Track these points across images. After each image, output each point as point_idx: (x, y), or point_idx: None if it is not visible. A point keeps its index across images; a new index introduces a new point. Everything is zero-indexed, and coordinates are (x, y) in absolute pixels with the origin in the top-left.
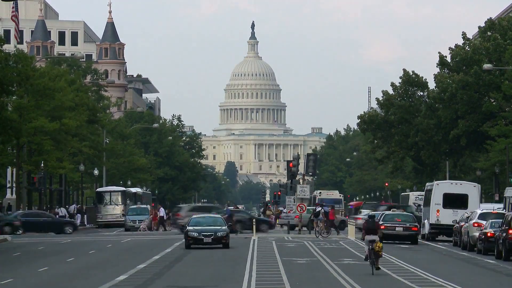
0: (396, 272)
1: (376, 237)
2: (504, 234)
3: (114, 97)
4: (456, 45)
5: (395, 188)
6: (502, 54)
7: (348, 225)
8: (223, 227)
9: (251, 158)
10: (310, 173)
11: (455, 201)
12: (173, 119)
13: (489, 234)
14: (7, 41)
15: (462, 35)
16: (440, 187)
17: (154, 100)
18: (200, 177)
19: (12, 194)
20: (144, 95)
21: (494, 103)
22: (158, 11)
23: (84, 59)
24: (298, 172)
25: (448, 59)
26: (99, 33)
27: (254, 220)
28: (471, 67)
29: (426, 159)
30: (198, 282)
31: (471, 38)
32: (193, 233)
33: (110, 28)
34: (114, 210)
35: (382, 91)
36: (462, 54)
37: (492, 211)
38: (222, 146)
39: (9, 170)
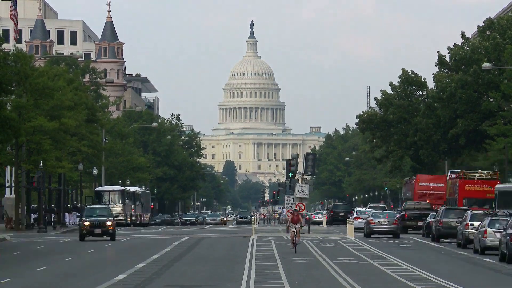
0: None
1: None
2: None
3: (113, 96)
4: (455, 45)
5: (394, 187)
6: (501, 53)
7: (347, 224)
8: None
9: (250, 157)
10: (309, 173)
11: None
12: (172, 118)
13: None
14: (6, 40)
15: (461, 34)
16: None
17: (153, 99)
18: (199, 176)
19: (11, 193)
20: (143, 95)
21: (493, 102)
22: (157, 10)
23: (83, 58)
24: (297, 172)
25: (447, 58)
26: (98, 33)
27: None
28: (470, 66)
29: (425, 159)
30: (197, 281)
31: (470, 37)
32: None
33: (109, 27)
34: (113, 209)
35: (381, 90)
36: (461, 54)
37: None
38: (221, 145)
39: (8, 169)
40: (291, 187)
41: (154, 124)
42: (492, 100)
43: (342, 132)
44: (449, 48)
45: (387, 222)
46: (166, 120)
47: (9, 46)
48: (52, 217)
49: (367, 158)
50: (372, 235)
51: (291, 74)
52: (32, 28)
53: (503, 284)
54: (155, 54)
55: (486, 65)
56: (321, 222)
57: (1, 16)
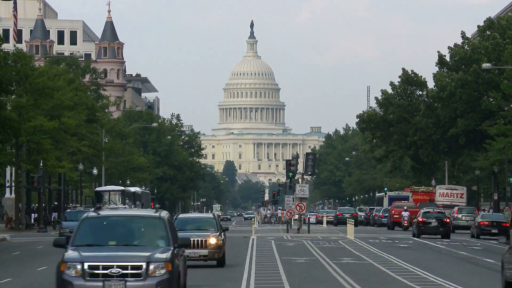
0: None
1: None
2: None
3: (113, 96)
4: (455, 44)
5: (394, 187)
6: (501, 53)
7: (347, 224)
8: None
9: (250, 157)
10: (309, 173)
11: None
12: (172, 118)
13: None
14: (6, 40)
15: (461, 34)
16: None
17: (153, 100)
18: (199, 176)
19: (11, 193)
20: (143, 95)
21: (493, 102)
22: (157, 10)
23: (83, 58)
24: (297, 172)
25: (447, 58)
26: (98, 33)
27: None
28: (470, 66)
29: (425, 158)
30: (197, 281)
31: (470, 37)
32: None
33: (109, 27)
34: None
35: (381, 90)
36: (461, 53)
37: None
38: (221, 146)
39: (8, 169)
40: (291, 187)
41: (154, 124)
42: (492, 100)
43: (342, 132)
44: (449, 48)
45: None
46: (166, 120)
47: (9, 46)
48: (52, 217)
49: (367, 158)
50: None
51: (291, 74)
52: (32, 28)
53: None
54: (155, 54)
55: (486, 65)
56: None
57: (1, 16)
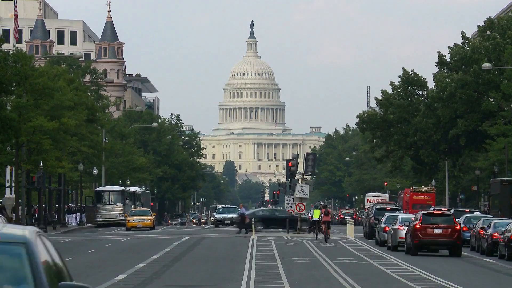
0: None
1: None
2: None
3: (113, 96)
4: (455, 44)
5: (394, 187)
6: (501, 53)
7: (347, 224)
8: None
9: (250, 157)
10: (309, 173)
11: None
12: (172, 118)
13: None
14: (6, 40)
15: (461, 34)
16: None
17: (153, 100)
18: (199, 176)
19: (11, 193)
20: (143, 95)
21: (493, 102)
22: (157, 10)
23: (83, 59)
24: (297, 172)
25: (447, 58)
26: (98, 33)
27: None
28: (470, 66)
29: (425, 159)
30: (197, 281)
31: (470, 37)
32: None
33: (109, 27)
34: (113, 209)
35: (381, 90)
36: (461, 53)
37: None
38: (221, 146)
39: (8, 169)
40: (291, 187)
41: (154, 124)
42: (492, 100)
43: (342, 132)
44: (449, 48)
45: None
46: (166, 120)
47: (9, 46)
48: (51, 217)
49: (367, 158)
50: None
51: (291, 74)
52: (32, 28)
53: (503, 284)
54: (155, 54)
55: (486, 65)
56: None
57: (1, 16)
